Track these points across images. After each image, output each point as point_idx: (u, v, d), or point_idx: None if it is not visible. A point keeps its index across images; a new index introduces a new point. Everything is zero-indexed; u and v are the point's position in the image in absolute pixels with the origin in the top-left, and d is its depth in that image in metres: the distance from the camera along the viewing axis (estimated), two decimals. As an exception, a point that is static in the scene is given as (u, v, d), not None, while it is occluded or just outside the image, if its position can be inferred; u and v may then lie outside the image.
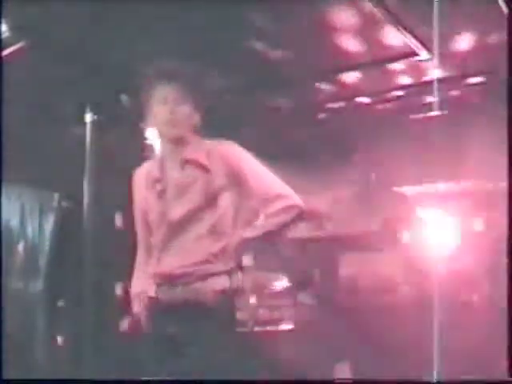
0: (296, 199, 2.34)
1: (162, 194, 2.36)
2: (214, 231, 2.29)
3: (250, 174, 2.33)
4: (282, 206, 2.30)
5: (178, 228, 2.30)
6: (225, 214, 2.31)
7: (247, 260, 2.47)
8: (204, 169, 2.31)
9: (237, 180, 2.32)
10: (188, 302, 2.24)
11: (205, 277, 2.25)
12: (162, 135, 2.42)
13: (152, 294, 2.34)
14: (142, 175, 2.49)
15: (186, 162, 2.35)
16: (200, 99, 2.37)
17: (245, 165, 2.34)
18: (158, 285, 2.33)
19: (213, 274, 2.26)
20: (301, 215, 2.34)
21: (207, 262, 2.26)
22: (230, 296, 2.29)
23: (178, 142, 2.37)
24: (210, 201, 2.29)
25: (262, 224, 2.32)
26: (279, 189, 2.34)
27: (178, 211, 2.30)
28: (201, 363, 2.19)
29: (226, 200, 2.31)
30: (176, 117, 2.33)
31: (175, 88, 2.34)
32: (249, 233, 2.32)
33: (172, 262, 2.30)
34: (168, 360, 2.25)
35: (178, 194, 2.32)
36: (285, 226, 2.33)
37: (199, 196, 2.29)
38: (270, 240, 2.37)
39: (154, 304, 2.34)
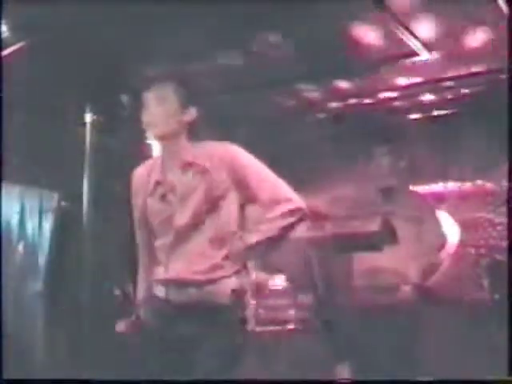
0: (299, 202, 2.34)
1: (164, 198, 2.36)
2: (220, 235, 2.29)
3: (253, 177, 2.33)
4: (287, 209, 2.31)
5: (184, 233, 2.30)
6: (229, 218, 2.32)
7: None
8: (206, 172, 2.31)
9: (240, 183, 2.32)
10: (200, 304, 2.25)
11: (215, 280, 2.26)
12: (150, 137, 2.47)
13: (162, 295, 2.34)
14: (141, 177, 2.48)
15: (187, 165, 2.35)
16: (185, 97, 2.38)
17: (247, 167, 2.34)
18: (168, 287, 2.32)
19: (223, 277, 2.27)
20: (304, 217, 2.35)
21: (216, 267, 2.27)
22: (241, 295, 2.29)
23: (170, 141, 2.38)
24: (214, 204, 2.29)
25: (266, 228, 2.31)
26: (282, 192, 2.34)
27: (183, 216, 2.30)
28: (213, 363, 2.20)
29: (229, 203, 2.31)
30: (155, 118, 2.36)
31: (152, 90, 2.38)
32: (254, 237, 2.31)
33: (181, 268, 2.29)
34: (179, 361, 2.26)
35: (181, 198, 2.32)
36: (289, 228, 2.33)
37: (203, 200, 2.29)
38: (274, 243, 2.36)
39: (164, 306, 2.33)
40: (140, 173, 2.51)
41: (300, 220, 2.33)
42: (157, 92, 2.37)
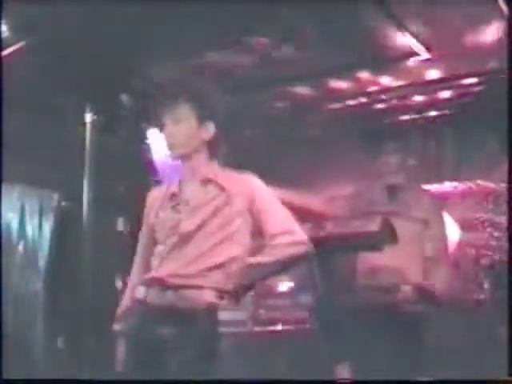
0: (302, 235, 2.40)
1: (175, 208, 2.41)
2: (218, 250, 2.33)
3: (264, 209, 2.39)
4: (291, 240, 2.36)
5: (185, 240, 2.33)
6: (232, 237, 2.35)
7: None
8: (224, 191, 2.37)
9: (250, 211, 2.38)
10: (174, 308, 2.28)
11: (196, 287, 2.29)
12: (173, 157, 2.47)
13: (140, 296, 2.37)
14: (156, 197, 2.53)
15: (207, 181, 2.41)
16: (204, 114, 2.41)
17: (261, 198, 2.40)
18: (148, 287, 2.36)
19: (203, 287, 2.29)
20: (305, 254, 2.41)
21: (201, 275, 2.29)
22: (214, 311, 2.30)
23: (191, 158, 2.43)
24: (223, 221, 2.34)
25: (268, 252, 2.36)
26: (288, 225, 2.39)
27: (189, 223, 2.34)
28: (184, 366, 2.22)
29: (236, 225, 2.36)
30: (175, 139, 2.40)
31: (171, 109, 2.41)
32: (256, 259, 2.36)
33: (169, 269, 2.33)
34: (151, 361, 2.28)
35: (193, 207, 2.37)
36: (290, 259, 2.38)
37: (214, 213, 2.34)
38: (274, 269, 2.41)
39: (141, 306, 2.36)
40: (156, 193, 2.56)
41: (302, 255, 2.40)
42: (173, 111, 2.40)
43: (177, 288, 2.29)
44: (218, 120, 2.43)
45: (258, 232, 2.41)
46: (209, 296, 2.29)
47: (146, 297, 2.35)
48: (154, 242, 2.46)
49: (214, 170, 2.45)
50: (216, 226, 2.33)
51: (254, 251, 2.40)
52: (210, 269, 2.30)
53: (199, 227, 2.33)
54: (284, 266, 2.42)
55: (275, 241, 2.35)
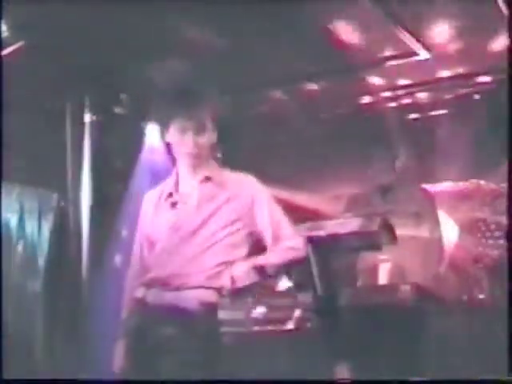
0: (300, 243, 2.42)
1: (174, 206, 2.40)
2: (218, 249, 2.32)
3: (263, 212, 2.38)
4: (286, 246, 2.37)
5: (186, 239, 2.32)
6: (232, 237, 2.34)
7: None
8: (223, 190, 2.37)
9: (250, 212, 2.37)
10: (175, 308, 2.27)
11: (195, 287, 2.28)
12: (183, 161, 2.43)
13: (140, 295, 2.36)
14: (151, 198, 2.51)
15: (208, 179, 2.39)
16: (216, 118, 2.41)
17: (260, 201, 2.39)
18: (148, 288, 2.35)
19: (202, 287, 2.28)
20: (301, 259, 2.45)
21: (201, 275, 2.29)
22: (214, 311, 2.30)
23: (198, 162, 2.41)
24: (223, 220, 2.33)
25: (269, 255, 2.37)
26: (286, 229, 2.40)
27: (190, 223, 2.34)
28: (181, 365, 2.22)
29: (236, 225, 2.35)
30: (200, 150, 2.37)
31: (194, 116, 2.35)
32: (259, 260, 2.35)
33: (169, 270, 2.32)
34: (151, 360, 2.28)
35: (193, 206, 2.36)
36: (287, 263, 2.41)
37: (213, 212, 2.34)
38: (270, 271, 2.40)
39: (140, 306, 2.36)
40: (153, 193, 2.53)
41: (300, 260, 2.44)
42: (196, 121, 2.35)
43: (177, 288, 2.29)
44: (220, 122, 2.43)
45: (256, 234, 2.40)
46: (209, 296, 2.28)
47: (146, 297, 2.34)
48: (152, 242, 2.44)
49: (214, 169, 2.44)
50: (216, 226, 2.32)
51: (254, 252, 2.40)
52: (210, 269, 2.30)
53: (199, 226, 2.32)
54: (283, 269, 2.47)
55: (275, 245, 2.36)
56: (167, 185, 2.48)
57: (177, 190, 2.43)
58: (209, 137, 2.38)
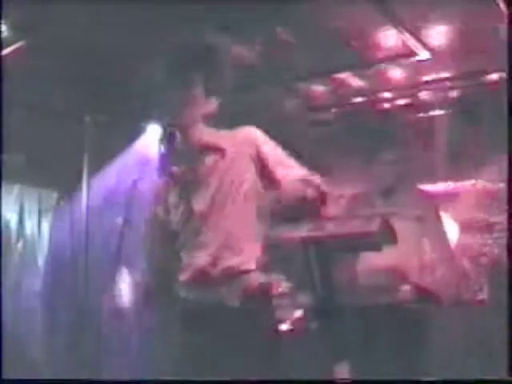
0: (317, 180, 2.30)
1: (182, 189, 2.26)
2: (240, 221, 2.20)
3: (270, 157, 2.27)
4: (303, 182, 2.26)
5: (205, 219, 2.20)
6: (248, 202, 2.23)
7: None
8: (223, 154, 2.24)
9: (258, 159, 2.25)
10: (218, 306, 2.16)
11: (235, 274, 2.16)
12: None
13: (183, 294, 2.25)
14: (158, 188, 2.39)
15: (205, 147, 2.27)
16: (211, 86, 2.28)
17: (265, 148, 2.28)
18: (187, 285, 2.23)
19: (242, 272, 2.16)
20: (321, 196, 2.30)
21: (237, 254, 2.17)
22: (266, 292, 2.20)
23: (189, 131, 2.28)
24: (233, 186, 2.21)
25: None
26: (299, 170, 2.31)
27: (202, 202, 2.21)
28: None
29: (248, 182, 2.23)
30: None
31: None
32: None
33: (203, 264, 2.18)
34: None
35: (199, 183, 2.24)
36: (304, 199, 2.26)
37: (221, 182, 2.21)
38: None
39: (182, 305, 2.25)
40: (157, 185, 2.40)
41: (316, 196, 2.28)
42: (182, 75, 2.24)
43: (223, 274, 2.15)
44: (223, 97, 2.31)
45: (269, 178, 2.26)
46: (256, 276, 2.18)
47: (189, 295, 2.21)
48: (169, 234, 2.30)
49: (210, 133, 2.30)
50: (228, 196, 2.20)
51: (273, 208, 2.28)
52: (242, 247, 2.18)
53: (212, 203, 2.20)
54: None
55: (289, 187, 2.24)
56: (166, 169, 2.31)
57: (181, 168, 2.29)
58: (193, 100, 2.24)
